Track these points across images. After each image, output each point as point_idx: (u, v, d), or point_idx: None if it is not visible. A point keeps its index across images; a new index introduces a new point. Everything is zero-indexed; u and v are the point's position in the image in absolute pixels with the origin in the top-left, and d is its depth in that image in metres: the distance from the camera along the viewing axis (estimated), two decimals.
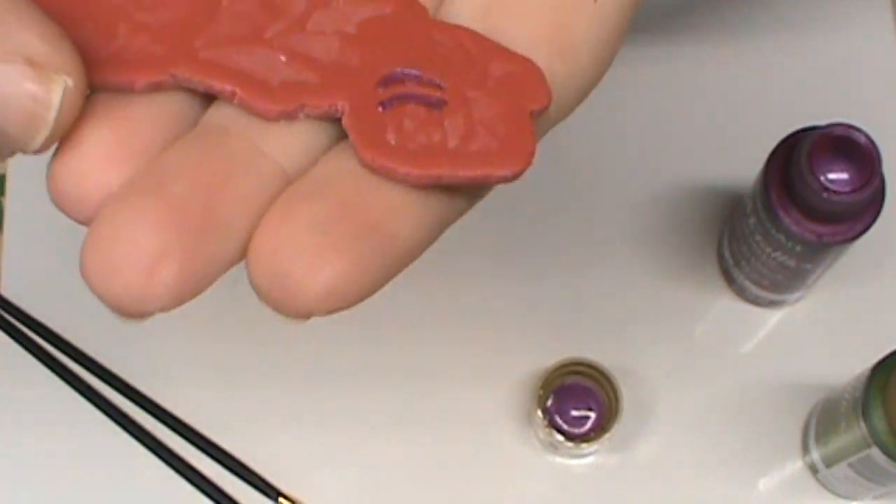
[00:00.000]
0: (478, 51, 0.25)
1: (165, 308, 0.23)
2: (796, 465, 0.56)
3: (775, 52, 0.62)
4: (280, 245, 0.23)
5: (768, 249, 0.52)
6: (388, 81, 0.25)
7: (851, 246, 0.50)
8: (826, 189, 0.47)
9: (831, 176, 0.47)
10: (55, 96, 0.22)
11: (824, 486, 0.55)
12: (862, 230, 0.49)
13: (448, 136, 0.24)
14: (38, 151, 0.23)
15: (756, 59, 0.62)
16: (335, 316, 0.62)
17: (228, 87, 0.25)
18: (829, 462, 0.53)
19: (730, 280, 0.58)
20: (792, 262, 0.52)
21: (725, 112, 0.61)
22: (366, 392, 0.57)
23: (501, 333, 0.57)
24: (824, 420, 0.53)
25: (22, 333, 0.57)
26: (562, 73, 0.25)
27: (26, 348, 0.57)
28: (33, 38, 0.22)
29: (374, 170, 0.24)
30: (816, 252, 0.50)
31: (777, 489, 0.56)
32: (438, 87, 0.25)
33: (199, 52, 0.25)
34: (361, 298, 0.24)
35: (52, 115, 0.22)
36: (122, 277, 0.23)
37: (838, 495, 0.55)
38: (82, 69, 0.23)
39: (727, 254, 0.57)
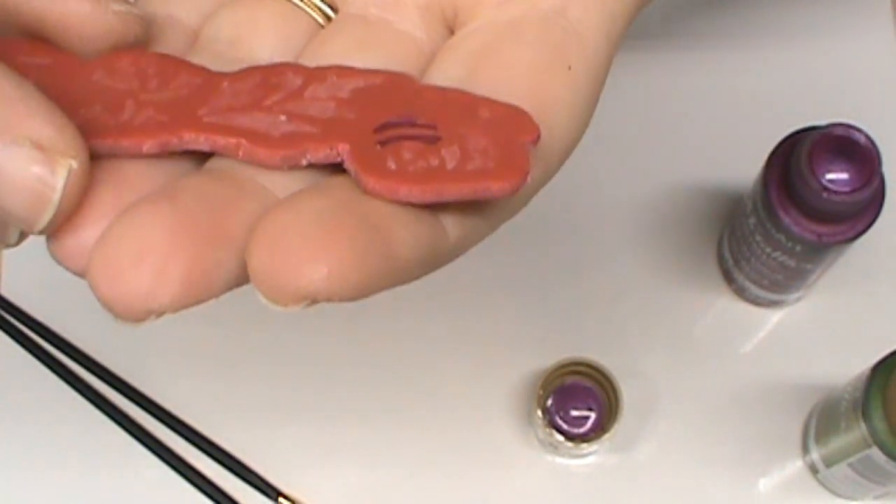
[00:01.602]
0: (467, 101, 0.27)
1: (169, 308, 0.24)
2: (796, 465, 0.56)
3: (775, 52, 0.62)
4: (284, 230, 0.23)
5: (768, 249, 0.52)
6: (384, 128, 0.26)
7: (851, 246, 0.50)
8: (826, 189, 0.47)
9: (831, 176, 0.47)
10: (60, 178, 0.24)
11: (824, 486, 0.55)
12: (862, 230, 0.49)
13: (446, 161, 0.25)
14: (43, 232, 0.25)
15: (756, 60, 0.62)
16: (335, 315, 0.62)
17: (233, 141, 0.26)
18: (829, 462, 0.53)
19: (730, 280, 0.58)
20: (792, 262, 0.52)
21: (725, 112, 0.61)
22: (366, 391, 0.57)
23: (501, 333, 0.57)
24: (824, 420, 0.53)
25: (22, 333, 0.57)
26: (542, 136, 0.27)
27: (26, 348, 0.57)
28: (40, 122, 0.24)
29: (376, 194, 0.25)
30: (816, 252, 0.50)
31: (777, 489, 0.56)
32: (432, 127, 0.26)
33: (202, 118, 0.27)
34: (356, 294, 0.24)
35: (57, 197, 0.24)
36: (130, 274, 0.24)
37: (838, 495, 0.55)
38: (86, 152, 0.24)
39: (727, 254, 0.57)
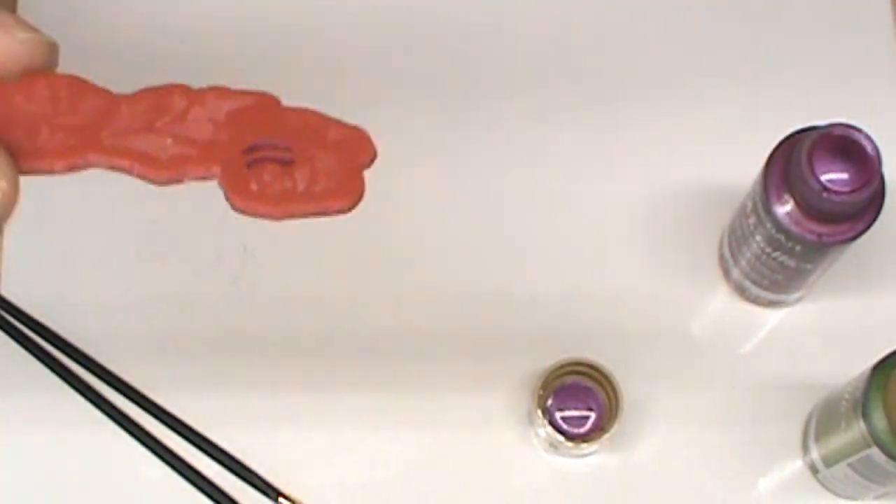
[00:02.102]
0: (319, 123, 0.33)
1: None
2: (796, 465, 0.56)
3: (775, 52, 0.62)
4: None
5: (768, 249, 0.52)
6: (250, 150, 0.33)
7: (851, 246, 0.50)
8: (826, 189, 0.47)
9: (831, 176, 0.47)
10: None
11: (824, 486, 0.55)
12: (862, 230, 0.49)
13: (297, 183, 0.33)
14: None
15: (756, 60, 0.62)
16: (335, 315, 0.62)
17: (128, 163, 0.33)
18: (829, 462, 0.53)
19: (730, 280, 0.58)
20: (792, 262, 0.52)
21: (725, 112, 0.61)
22: (366, 392, 0.57)
23: (501, 333, 0.57)
24: (824, 420, 0.53)
25: (22, 333, 0.57)
26: None
27: (26, 348, 0.57)
28: None
29: (244, 212, 0.33)
30: (816, 252, 0.50)
31: (777, 489, 0.56)
32: (289, 149, 0.33)
33: (104, 140, 0.33)
34: None
35: None
36: None
37: (838, 495, 0.55)
38: (14, 174, 0.31)
39: (727, 254, 0.57)
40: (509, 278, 0.58)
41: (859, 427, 0.48)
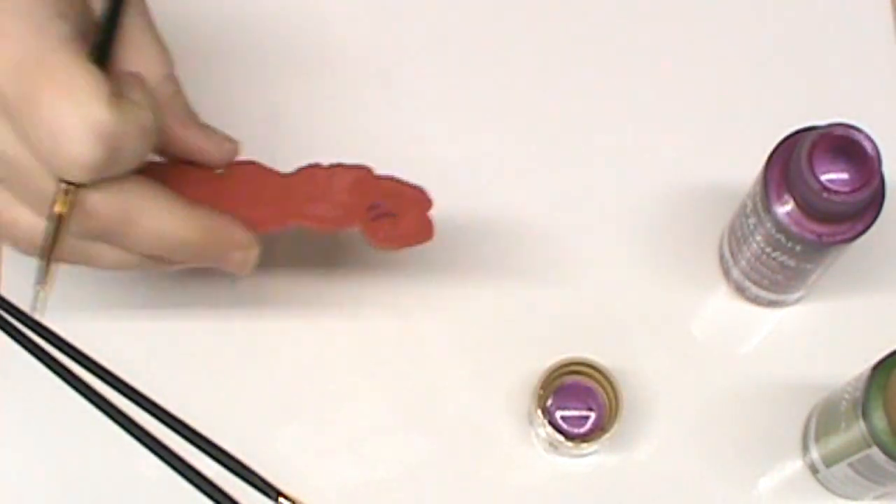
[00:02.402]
0: (399, 186, 0.49)
1: None
2: (796, 465, 0.56)
3: (775, 52, 0.62)
4: None
5: (768, 249, 0.52)
6: (370, 208, 0.49)
7: (851, 246, 0.50)
8: (826, 189, 0.47)
9: (831, 176, 0.47)
10: (253, 256, 0.48)
11: (824, 486, 0.55)
12: (862, 230, 0.49)
13: (400, 229, 0.49)
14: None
15: (756, 59, 0.62)
16: (335, 315, 0.62)
17: (315, 226, 0.49)
18: (829, 462, 0.53)
19: (730, 280, 0.58)
20: (792, 262, 0.52)
21: (725, 112, 0.61)
22: (366, 392, 0.57)
23: (501, 333, 0.57)
24: (824, 420, 0.53)
25: (22, 333, 0.57)
26: None
27: (26, 348, 0.57)
28: (240, 234, 0.47)
29: (380, 249, 0.50)
30: (816, 252, 0.50)
31: (777, 489, 0.56)
32: (390, 207, 0.49)
33: (297, 209, 0.49)
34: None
35: (250, 267, 0.48)
36: None
37: (838, 495, 0.55)
38: (258, 240, 0.48)
39: (727, 254, 0.57)
40: (509, 278, 0.58)
41: (859, 427, 0.48)
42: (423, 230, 0.50)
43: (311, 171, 0.49)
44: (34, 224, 0.43)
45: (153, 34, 0.46)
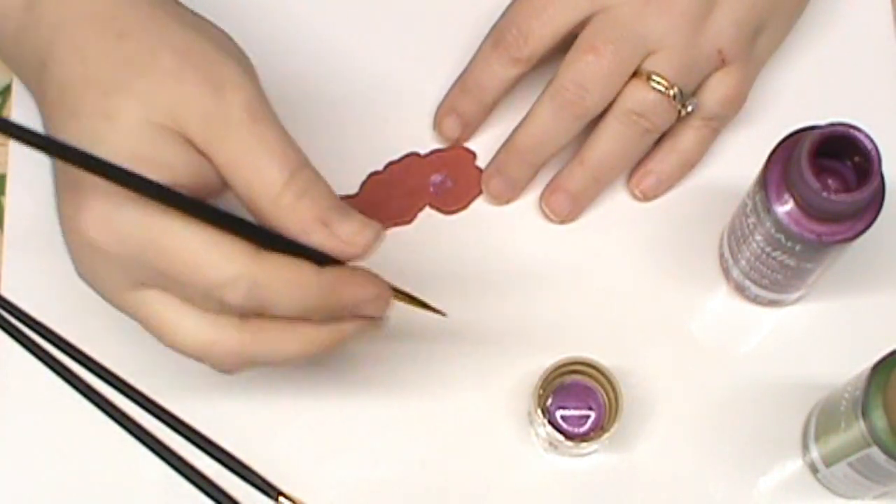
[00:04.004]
0: (442, 156, 0.59)
1: None
2: (796, 465, 0.56)
3: (775, 52, 0.62)
4: None
5: (768, 249, 0.52)
6: (431, 185, 0.59)
7: (851, 246, 0.50)
8: (826, 189, 0.47)
9: (831, 176, 0.47)
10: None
11: (824, 485, 0.55)
12: (862, 230, 0.49)
13: (460, 189, 0.60)
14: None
15: None
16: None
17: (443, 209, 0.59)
18: (829, 461, 0.53)
19: (730, 280, 0.58)
20: (792, 262, 0.52)
21: None
22: (366, 391, 0.57)
23: (501, 333, 0.57)
24: (824, 420, 0.53)
25: (22, 333, 0.57)
26: None
27: (26, 348, 0.57)
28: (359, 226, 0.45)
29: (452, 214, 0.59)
30: (816, 252, 0.50)
31: (777, 489, 0.56)
32: (446, 179, 0.59)
33: (423, 199, 0.59)
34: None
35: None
36: None
37: (838, 495, 0.55)
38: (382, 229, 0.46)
39: (727, 254, 0.57)
40: (509, 278, 0.58)
41: (859, 427, 0.48)
42: (478, 182, 0.58)
43: (423, 160, 0.58)
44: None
45: (261, 140, 0.43)
